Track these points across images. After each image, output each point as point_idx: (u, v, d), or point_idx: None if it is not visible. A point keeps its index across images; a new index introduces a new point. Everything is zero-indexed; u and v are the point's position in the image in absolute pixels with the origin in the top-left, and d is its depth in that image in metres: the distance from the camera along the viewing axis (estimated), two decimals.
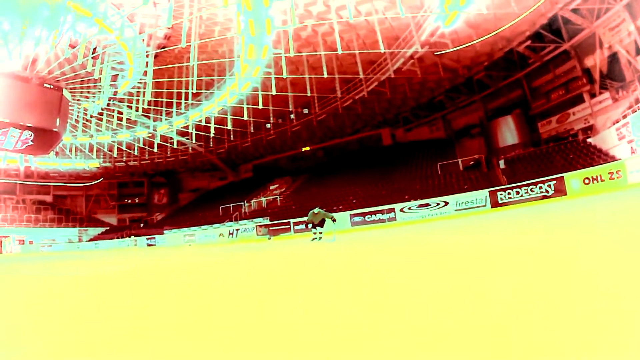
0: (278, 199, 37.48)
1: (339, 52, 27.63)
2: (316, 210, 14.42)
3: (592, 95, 27.25)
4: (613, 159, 21.06)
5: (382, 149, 42.55)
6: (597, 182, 19.00)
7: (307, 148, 47.64)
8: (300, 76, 33.07)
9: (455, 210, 22.76)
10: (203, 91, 37.75)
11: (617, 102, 25.45)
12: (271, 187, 43.11)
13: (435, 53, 27.77)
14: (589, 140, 25.36)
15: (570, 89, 28.34)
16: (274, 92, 33.11)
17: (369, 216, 26.00)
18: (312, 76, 32.74)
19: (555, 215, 10.49)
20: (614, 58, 25.17)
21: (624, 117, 22.45)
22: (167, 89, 37.93)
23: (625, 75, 24.66)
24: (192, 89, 34.74)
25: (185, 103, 38.46)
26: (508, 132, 33.88)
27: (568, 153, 24.51)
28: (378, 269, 4.29)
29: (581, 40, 26.76)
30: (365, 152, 43.38)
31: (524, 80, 31.83)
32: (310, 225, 14.73)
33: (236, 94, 36.12)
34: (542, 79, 30.63)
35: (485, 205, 22.06)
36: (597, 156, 22.33)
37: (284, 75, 30.79)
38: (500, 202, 21.74)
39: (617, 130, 22.47)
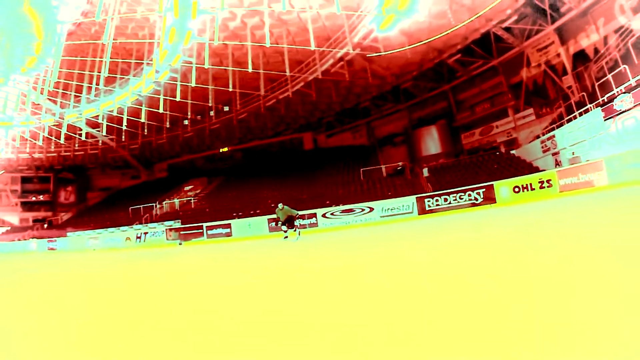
0: (192, 201, 32.83)
1: (267, 44, 24.49)
2: (280, 206, 13.38)
3: (517, 111, 26.77)
4: (537, 170, 19.89)
5: (304, 153, 39.63)
6: (527, 190, 17.26)
7: (225, 149, 43.08)
8: (224, 68, 29.10)
9: (381, 216, 20.03)
10: (117, 75, 32.46)
11: (541, 118, 25.11)
12: (186, 188, 38.11)
13: (368, 55, 25.42)
14: (512, 152, 24.36)
15: (496, 103, 27.80)
16: (193, 84, 28.97)
17: None
18: (236, 69, 28.96)
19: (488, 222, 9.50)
20: (540, 77, 24.73)
21: (549, 131, 21.55)
22: (78, 69, 32.39)
23: (549, 94, 24.39)
24: (105, 72, 29.58)
25: (96, 89, 32.94)
26: (431, 142, 32.45)
27: (492, 163, 22.97)
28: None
29: (510, 58, 26.20)
30: (285, 155, 40.01)
31: (450, 93, 30.76)
32: (280, 223, 13.50)
33: (152, 82, 31.25)
34: (468, 92, 29.68)
35: (412, 212, 19.52)
36: (522, 167, 21.04)
37: (206, 66, 26.94)
38: (428, 208, 19.30)
39: (542, 143, 21.57)
